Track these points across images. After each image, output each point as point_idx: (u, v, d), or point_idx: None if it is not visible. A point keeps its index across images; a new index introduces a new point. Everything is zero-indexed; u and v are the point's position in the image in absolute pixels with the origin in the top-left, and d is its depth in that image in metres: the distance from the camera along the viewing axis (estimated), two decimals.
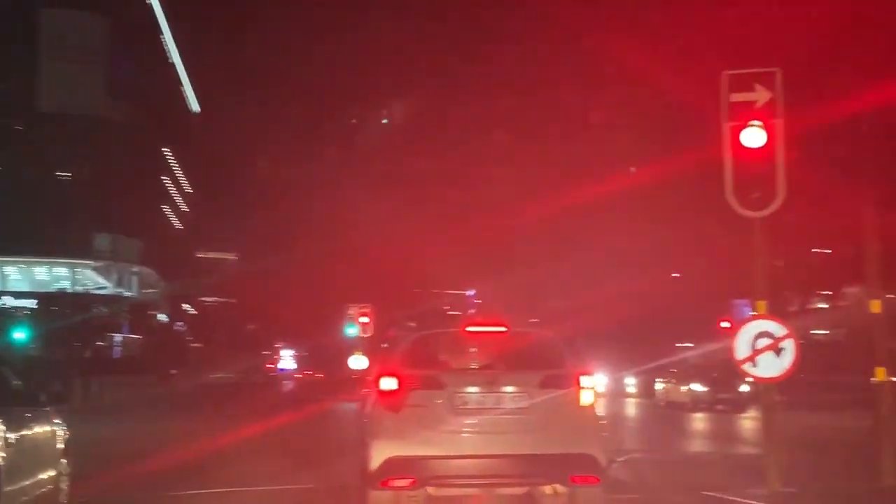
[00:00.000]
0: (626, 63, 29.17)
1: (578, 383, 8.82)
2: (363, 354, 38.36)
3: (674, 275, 44.17)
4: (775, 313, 11.11)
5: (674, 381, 32.42)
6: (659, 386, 33.66)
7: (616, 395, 36.05)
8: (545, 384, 8.73)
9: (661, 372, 33.86)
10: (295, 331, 79.12)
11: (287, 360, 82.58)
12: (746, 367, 10.56)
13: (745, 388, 27.79)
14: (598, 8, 30.95)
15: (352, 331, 42.90)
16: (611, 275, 36.78)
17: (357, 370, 35.81)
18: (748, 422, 25.14)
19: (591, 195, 33.22)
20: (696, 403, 30.17)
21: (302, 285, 67.20)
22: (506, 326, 9.30)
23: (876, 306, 11.03)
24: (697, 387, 30.43)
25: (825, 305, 51.19)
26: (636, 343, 38.70)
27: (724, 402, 29.51)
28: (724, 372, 27.21)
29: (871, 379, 11.25)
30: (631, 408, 33.87)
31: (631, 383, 38.30)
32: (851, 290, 45.58)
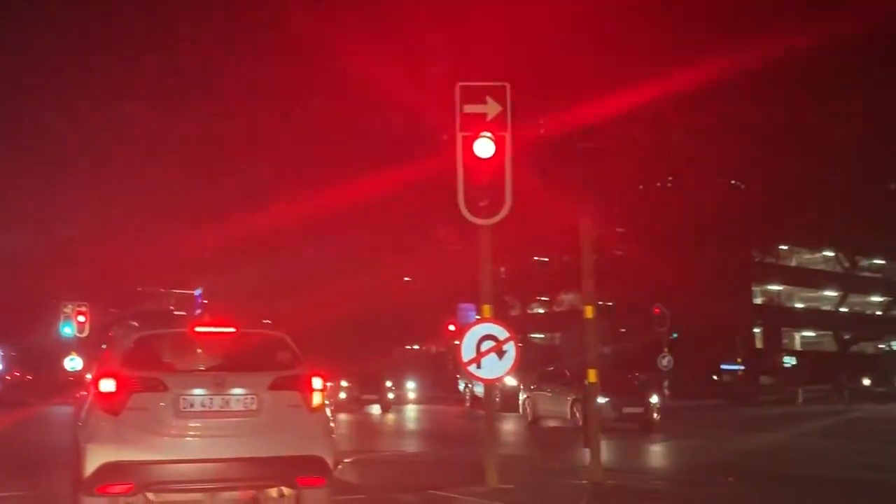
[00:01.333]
0: (362, 72, 29.44)
1: (309, 385, 8.76)
2: (78, 355, 36.36)
3: (406, 279, 45.06)
4: (498, 317, 11.57)
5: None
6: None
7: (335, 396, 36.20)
8: (275, 386, 8.61)
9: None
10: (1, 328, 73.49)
11: None
12: (472, 368, 10.92)
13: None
14: (333, 13, 30.97)
15: (67, 330, 40.55)
16: (343, 277, 36.94)
17: (72, 372, 33.87)
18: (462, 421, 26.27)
19: (326, 199, 33.25)
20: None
21: (8, 278, 62.47)
22: (235, 327, 9.08)
23: (589, 312, 11.71)
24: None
25: (543, 310, 54.14)
26: (363, 345, 39.10)
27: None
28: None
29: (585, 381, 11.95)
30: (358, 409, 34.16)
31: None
32: (567, 297, 48.51)
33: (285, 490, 8.84)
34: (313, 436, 8.69)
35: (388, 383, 33.93)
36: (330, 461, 8.78)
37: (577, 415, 21.97)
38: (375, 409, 33.01)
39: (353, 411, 30.92)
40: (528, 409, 26.34)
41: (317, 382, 8.79)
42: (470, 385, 33.78)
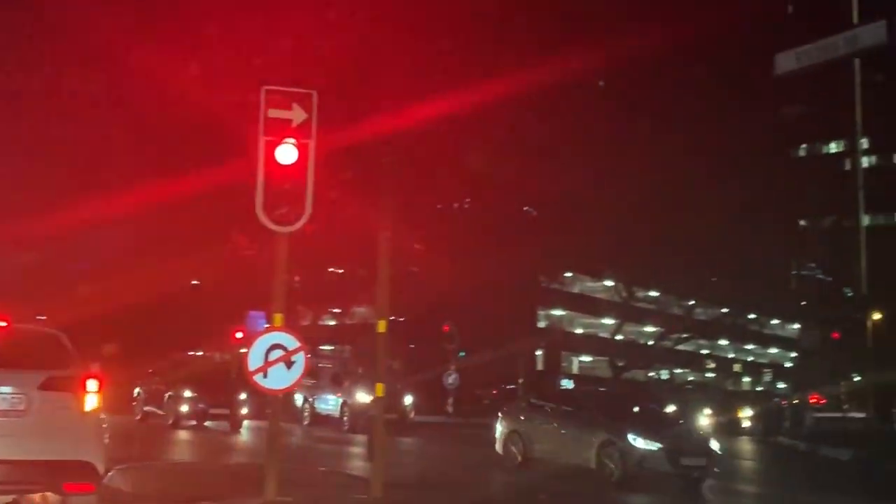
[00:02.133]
0: (165, 72, 28.52)
1: (83, 387, 8.35)
2: None
3: (193, 282, 43.85)
4: (289, 327, 11.42)
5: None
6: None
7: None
8: (45, 386, 8.16)
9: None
10: None
11: None
12: (257, 378, 10.71)
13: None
14: (128, 11, 29.87)
15: None
16: (127, 277, 35.51)
17: None
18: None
19: (116, 197, 31.90)
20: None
21: None
22: (6, 321, 8.55)
23: (382, 326, 11.76)
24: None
25: (334, 322, 53.96)
26: (146, 349, 37.71)
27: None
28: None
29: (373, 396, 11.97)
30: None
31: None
32: (360, 310, 48.59)
33: (50, 496, 8.39)
34: (84, 440, 8.29)
35: (242, 395, 27.23)
36: (100, 467, 8.40)
37: (610, 464, 16.62)
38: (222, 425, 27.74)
39: (198, 428, 27.01)
40: (516, 448, 19.08)
41: (91, 385, 8.39)
42: (310, 400, 31.41)
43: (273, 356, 10.68)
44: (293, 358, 10.74)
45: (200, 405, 27.49)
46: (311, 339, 20.44)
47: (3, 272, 36.15)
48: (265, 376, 10.70)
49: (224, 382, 27.95)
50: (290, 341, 10.84)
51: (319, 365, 32.11)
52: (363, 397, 28.48)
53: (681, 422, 23.58)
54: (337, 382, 31.40)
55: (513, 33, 31.41)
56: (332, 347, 50.05)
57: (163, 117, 32.56)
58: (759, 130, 49.39)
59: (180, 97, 28.94)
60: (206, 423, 27.99)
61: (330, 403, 31.30)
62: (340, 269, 45.30)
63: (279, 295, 11.15)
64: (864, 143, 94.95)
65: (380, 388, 11.78)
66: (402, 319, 36.87)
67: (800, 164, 71.25)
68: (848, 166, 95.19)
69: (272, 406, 11.29)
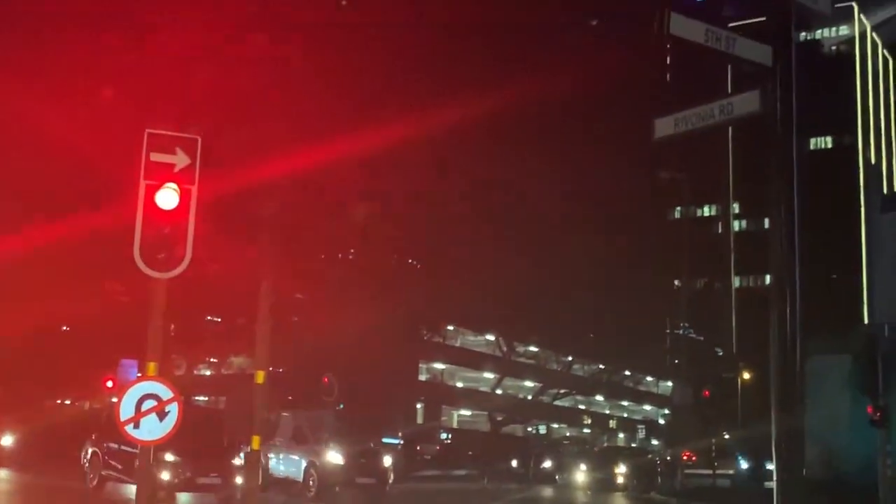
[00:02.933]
0: (31, 113, 27.77)
1: None
2: None
3: (64, 328, 42.33)
4: (164, 376, 11.08)
5: None
6: None
7: None
8: None
9: None
10: None
11: None
12: (129, 428, 10.33)
13: None
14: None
15: None
16: None
17: None
18: None
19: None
20: None
21: None
22: None
23: (260, 377, 11.54)
24: None
25: (210, 372, 52.74)
26: (11, 397, 36.13)
27: None
28: None
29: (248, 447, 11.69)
30: None
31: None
32: (237, 360, 47.66)
33: None
34: None
35: (239, 460, 19.60)
36: None
37: None
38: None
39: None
40: None
41: None
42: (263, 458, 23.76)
43: (146, 406, 10.32)
44: (167, 408, 10.39)
45: (187, 473, 20.56)
46: (185, 390, 19.90)
47: None
48: (136, 427, 10.32)
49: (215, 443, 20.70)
50: (164, 391, 10.50)
51: (282, 415, 27.85)
52: (335, 458, 25.12)
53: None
54: (300, 440, 27.19)
55: (402, 85, 31.74)
56: (207, 398, 48.89)
57: (39, 160, 31.62)
58: (640, 192, 50.99)
59: (60, 138, 28.20)
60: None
61: (291, 464, 26.60)
62: (218, 317, 44.46)
63: (154, 343, 10.81)
64: (736, 207, 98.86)
65: (256, 441, 11.52)
66: (280, 370, 36.34)
67: (675, 226, 73.67)
68: (720, 230, 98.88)
69: (141, 459, 10.89)
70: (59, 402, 42.15)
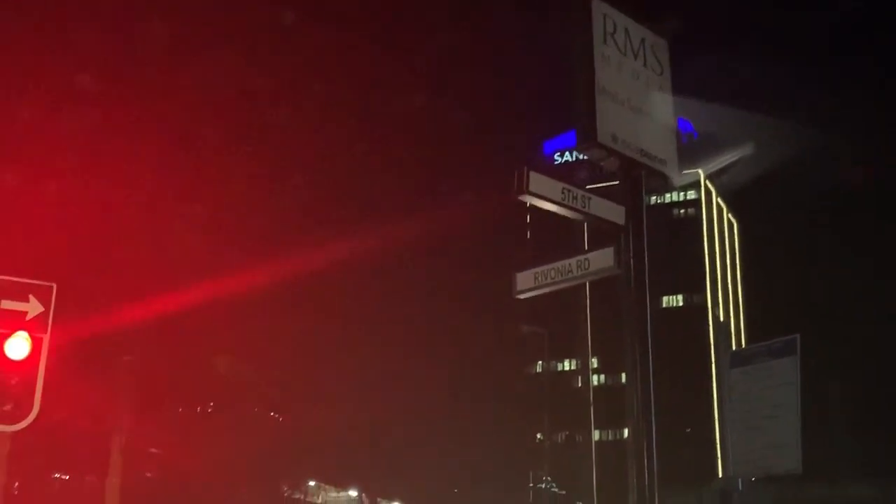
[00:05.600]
0: None
1: None
2: None
3: None
4: None
5: None
6: None
7: None
8: None
9: None
10: None
11: None
12: None
13: None
14: None
15: None
16: None
17: None
18: None
19: None
20: None
21: None
22: None
23: None
24: None
25: None
26: None
27: None
28: None
29: None
30: None
31: None
32: None
33: None
34: None
35: None
36: None
37: None
38: None
39: None
40: None
41: None
42: None
43: None
44: None
45: None
46: None
47: None
48: None
49: None
50: None
51: None
52: None
53: None
54: None
55: (260, 231, 31.78)
56: None
57: None
58: (503, 345, 51.70)
59: None
60: None
61: None
62: (66, 474, 42.10)
63: None
64: (595, 362, 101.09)
65: None
66: None
67: (536, 379, 74.62)
68: (580, 383, 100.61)
69: None
70: None
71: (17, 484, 33.76)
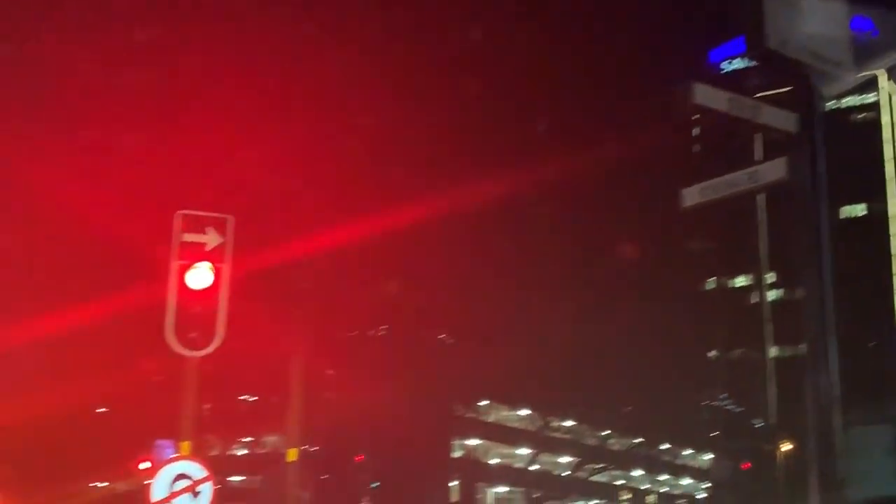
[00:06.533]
0: (76, 198, 28.29)
1: None
2: None
3: (100, 410, 42.44)
4: (198, 456, 11.06)
5: None
6: None
7: None
8: None
9: None
10: None
11: None
12: None
13: None
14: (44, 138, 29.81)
15: None
16: (34, 404, 34.25)
17: None
18: None
19: (24, 325, 31.05)
20: None
21: None
22: None
23: (292, 455, 11.49)
24: None
25: (245, 451, 52.48)
26: (49, 478, 36.11)
27: None
28: None
29: None
30: None
31: None
32: (271, 439, 47.43)
33: None
34: None
35: None
36: None
37: None
38: None
39: None
40: None
41: None
42: None
43: (178, 486, 10.29)
44: (199, 488, 10.36)
45: None
46: (220, 469, 19.82)
47: None
48: None
49: None
50: (197, 470, 10.47)
51: None
52: None
53: None
54: None
55: (432, 161, 32.06)
56: (243, 478, 48.54)
57: (75, 241, 32.09)
58: (673, 263, 50.81)
59: (93, 219, 28.65)
60: None
61: None
62: (253, 396, 44.43)
63: (187, 422, 10.83)
64: (770, 276, 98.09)
65: None
66: (314, 449, 36.11)
67: (708, 297, 73.08)
68: (755, 299, 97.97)
69: None
70: (93, 485, 42.06)
71: (208, 406, 35.91)
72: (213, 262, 10.69)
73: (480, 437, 63.84)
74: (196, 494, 10.33)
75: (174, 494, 10.26)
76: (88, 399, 39.38)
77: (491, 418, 63.30)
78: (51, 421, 34.70)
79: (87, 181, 28.11)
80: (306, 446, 15.11)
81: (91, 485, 40.38)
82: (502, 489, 68.04)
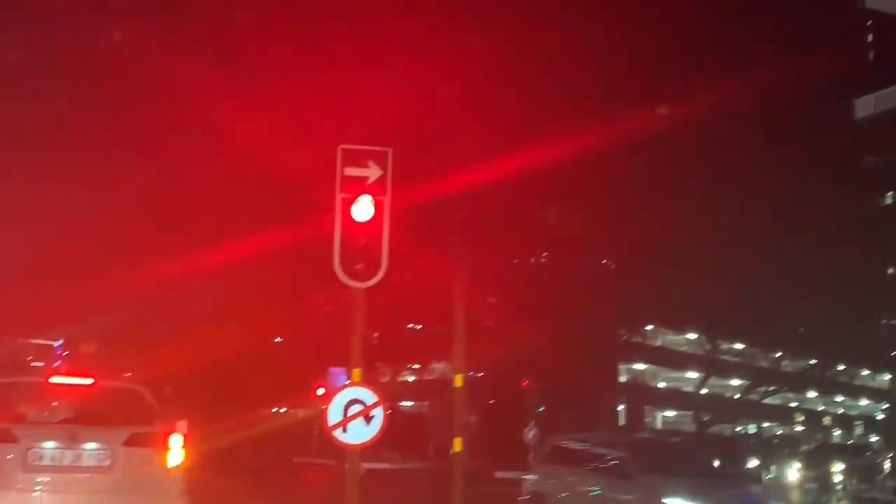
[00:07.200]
0: (244, 133, 29.24)
1: (166, 443, 8.52)
2: None
3: (277, 339, 44.37)
4: (369, 382, 11.48)
5: None
6: None
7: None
8: (130, 442, 8.36)
9: None
10: None
11: None
12: (337, 433, 10.77)
13: None
14: (216, 71, 30.76)
15: None
16: (211, 335, 36.13)
17: None
18: None
19: (199, 257, 32.63)
20: None
21: None
22: (94, 378, 8.79)
23: (459, 381, 11.76)
24: None
25: (414, 378, 54.02)
26: (229, 406, 38.20)
27: None
28: None
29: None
30: None
31: None
32: (438, 365, 48.61)
33: None
34: (168, 496, 8.45)
35: None
36: None
37: None
38: None
39: None
40: None
41: (174, 441, 8.56)
42: None
43: (352, 411, 10.74)
44: (372, 413, 10.78)
45: None
46: (390, 396, 20.47)
47: (89, 329, 37.14)
48: (344, 431, 10.76)
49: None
50: (369, 396, 10.90)
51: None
52: None
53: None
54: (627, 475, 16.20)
55: (587, 87, 31.53)
56: (412, 403, 50.05)
57: (244, 175, 33.25)
58: (844, 179, 48.48)
59: (261, 155, 29.57)
60: None
61: None
62: (418, 325, 45.43)
63: (357, 350, 11.24)
64: None
65: (458, 443, 11.74)
66: (480, 375, 36.79)
67: (886, 212, 69.58)
68: None
69: (350, 461, 11.31)
70: (275, 410, 44.14)
71: (377, 335, 37.03)
72: (374, 195, 10.96)
73: (647, 362, 63.49)
74: (369, 419, 10.77)
75: (348, 419, 10.73)
76: (266, 330, 41.17)
77: (658, 343, 62.75)
78: (232, 351, 36.51)
79: (258, 117, 28.98)
80: (472, 373, 15.43)
81: (273, 410, 42.39)
82: (670, 413, 67.67)
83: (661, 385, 66.84)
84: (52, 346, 41.89)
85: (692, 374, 62.07)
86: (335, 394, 11.05)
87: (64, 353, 38.81)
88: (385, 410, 10.97)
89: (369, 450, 11.30)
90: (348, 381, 11.37)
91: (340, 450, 11.23)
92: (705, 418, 55.43)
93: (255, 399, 38.83)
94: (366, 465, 12.42)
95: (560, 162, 27.48)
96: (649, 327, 56.76)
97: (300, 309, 38.73)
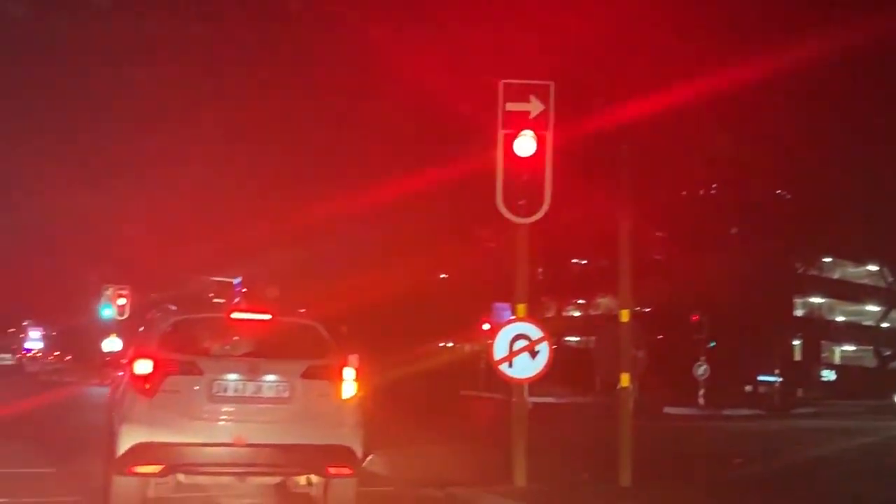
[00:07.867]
0: (399, 66, 29.44)
1: (341, 375, 8.82)
2: (118, 337, 36.77)
3: (442, 276, 45.08)
4: (533, 317, 11.53)
5: None
6: None
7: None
8: (308, 374, 8.69)
9: None
10: (41, 308, 74.36)
11: (34, 340, 77.23)
12: (503, 367, 10.91)
13: None
14: (368, 8, 30.90)
15: (108, 312, 40.99)
16: (380, 271, 37.05)
17: (110, 353, 34.26)
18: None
19: (367, 193, 33.34)
20: None
21: (46, 256, 62.75)
22: (271, 314, 9.18)
23: (625, 315, 11.65)
24: None
25: (579, 313, 53.90)
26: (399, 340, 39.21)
27: None
28: None
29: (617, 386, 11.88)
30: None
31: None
32: (603, 300, 48.28)
33: (313, 478, 8.93)
34: (343, 425, 8.75)
35: None
36: (359, 452, 8.83)
37: None
38: None
39: None
40: None
41: (348, 372, 8.85)
42: None
43: (517, 346, 10.84)
44: (537, 347, 10.86)
45: None
46: (555, 331, 20.50)
47: (266, 266, 38.72)
48: (510, 366, 10.89)
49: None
50: (534, 331, 10.97)
51: None
52: None
53: None
54: None
55: (757, 16, 30.09)
56: (577, 339, 50.03)
57: (407, 112, 33.54)
58: None
59: (424, 91, 29.70)
60: None
61: None
62: (583, 260, 45.18)
63: (521, 286, 11.29)
64: None
65: (625, 379, 11.68)
66: (647, 310, 36.35)
67: None
68: None
69: (516, 395, 11.45)
70: (442, 345, 45.04)
71: (541, 270, 37.05)
72: (536, 130, 10.88)
73: (824, 296, 61.11)
74: (534, 354, 10.86)
75: (514, 353, 10.85)
76: (432, 266, 41.84)
77: (835, 275, 60.27)
78: (400, 288, 37.31)
79: (416, 50, 29.04)
80: (638, 308, 15.19)
81: (440, 345, 43.26)
82: (849, 347, 65.13)
83: (839, 319, 64.31)
84: (231, 283, 43.96)
85: (872, 308, 59.47)
86: (500, 329, 11.18)
87: (243, 290, 40.68)
88: (550, 345, 11.03)
89: (536, 384, 11.42)
90: (513, 317, 11.46)
91: (507, 384, 11.39)
92: (886, 353, 53.12)
93: (423, 334, 39.67)
94: (532, 400, 12.59)
95: (734, 89, 26.41)
96: (827, 259, 54.58)
97: (464, 245, 39.12)
